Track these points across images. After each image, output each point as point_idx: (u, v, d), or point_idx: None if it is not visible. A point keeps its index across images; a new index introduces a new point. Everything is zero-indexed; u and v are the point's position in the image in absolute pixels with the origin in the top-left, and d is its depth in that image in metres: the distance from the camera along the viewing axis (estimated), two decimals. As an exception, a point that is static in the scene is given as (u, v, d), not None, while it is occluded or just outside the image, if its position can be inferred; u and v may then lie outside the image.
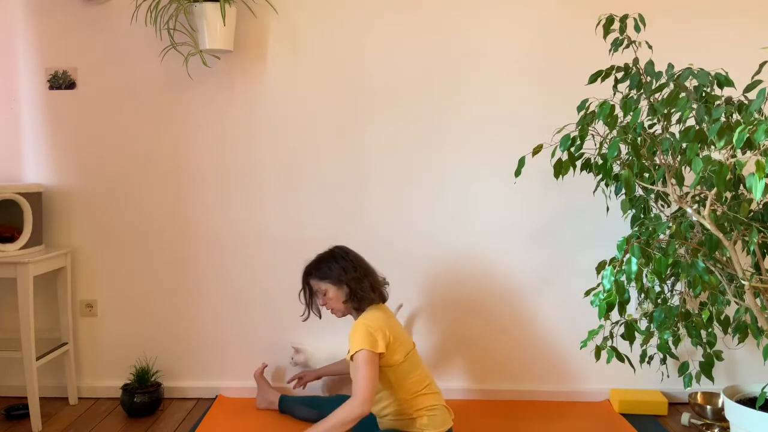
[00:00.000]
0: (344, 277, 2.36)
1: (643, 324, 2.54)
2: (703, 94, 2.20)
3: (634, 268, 2.06)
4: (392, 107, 2.98)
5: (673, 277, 2.50)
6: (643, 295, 2.43)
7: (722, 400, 2.40)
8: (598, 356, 2.35)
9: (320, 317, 2.51)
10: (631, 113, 2.22)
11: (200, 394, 3.08)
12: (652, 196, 2.54)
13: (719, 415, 2.71)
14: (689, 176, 2.54)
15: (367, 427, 2.43)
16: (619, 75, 2.45)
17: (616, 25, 2.45)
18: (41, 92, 2.99)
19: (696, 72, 2.17)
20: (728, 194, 2.23)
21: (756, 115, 1.89)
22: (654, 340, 2.46)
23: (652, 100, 2.28)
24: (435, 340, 3.04)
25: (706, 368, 2.40)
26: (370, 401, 2.18)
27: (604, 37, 2.45)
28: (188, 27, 2.85)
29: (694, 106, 2.13)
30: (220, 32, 2.78)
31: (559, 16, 2.92)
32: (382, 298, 2.47)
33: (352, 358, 2.25)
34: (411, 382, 2.33)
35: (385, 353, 2.26)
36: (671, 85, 2.22)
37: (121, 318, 3.08)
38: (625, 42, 2.45)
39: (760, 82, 2.15)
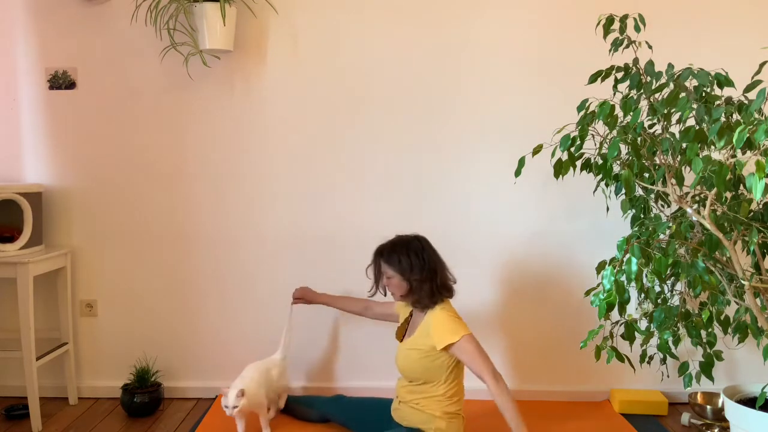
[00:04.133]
0: (409, 275, 2.36)
1: (643, 324, 2.53)
2: (703, 94, 2.20)
3: (634, 268, 2.06)
4: (392, 107, 2.98)
5: (673, 277, 2.50)
6: (643, 295, 2.43)
7: (722, 400, 2.40)
8: (598, 356, 2.35)
9: (385, 295, 2.49)
10: (631, 113, 2.22)
11: (200, 394, 3.08)
12: (652, 196, 2.54)
13: (719, 415, 2.71)
14: (689, 176, 2.54)
15: (380, 420, 2.44)
16: (619, 75, 2.45)
17: (616, 25, 2.45)
18: (41, 92, 2.99)
19: (696, 72, 2.17)
20: (728, 194, 2.23)
21: (756, 115, 1.89)
22: (654, 340, 2.45)
23: (652, 100, 2.28)
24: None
25: (706, 368, 2.40)
26: (496, 371, 2.26)
27: (604, 37, 2.45)
28: (188, 27, 2.85)
29: (694, 106, 2.13)
30: (220, 32, 2.78)
31: (559, 17, 2.92)
32: (450, 294, 2.45)
33: (448, 347, 2.28)
34: (455, 384, 2.37)
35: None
36: (671, 85, 2.22)
37: (121, 318, 3.08)
38: (625, 42, 2.45)
39: (760, 82, 2.15)
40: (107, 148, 3.01)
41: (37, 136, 3.01)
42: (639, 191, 2.52)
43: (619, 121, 2.33)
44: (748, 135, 1.77)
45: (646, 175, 2.37)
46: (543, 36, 2.93)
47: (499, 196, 2.99)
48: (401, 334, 2.52)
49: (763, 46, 2.75)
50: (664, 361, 2.52)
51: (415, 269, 2.36)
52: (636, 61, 2.42)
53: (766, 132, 1.75)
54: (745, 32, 2.88)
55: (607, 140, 2.30)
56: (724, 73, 2.22)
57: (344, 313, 3.03)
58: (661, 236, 2.17)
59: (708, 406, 2.78)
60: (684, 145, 2.13)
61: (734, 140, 1.79)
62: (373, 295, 2.50)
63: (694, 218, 2.17)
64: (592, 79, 2.45)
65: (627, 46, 2.46)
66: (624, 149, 2.32)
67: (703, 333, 2.41)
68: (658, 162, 2.32)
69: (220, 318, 3.08)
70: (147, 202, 3.03)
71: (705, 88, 2.19)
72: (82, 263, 3.06)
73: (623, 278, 2.10)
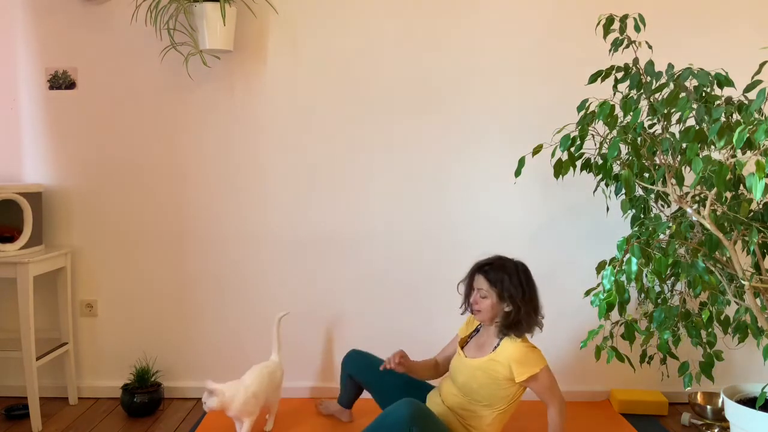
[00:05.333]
0: (516, 299, 2.22)
1: (643, 324, 2.53)
2: (703, 94, 2.20)
3: (634, 268, 2.06)
4: (392, 107, 2.98)
5: (673, 277, 2.50)
6: (643, 295, 2.43)
7: (722, 400, 2.40)
8: (598, 356, 2.35)
9: (472, 312, 2.35)
10: (631, 113, 2.22)
11: (200, 394, 3.07)
12: (652, 196, 2.54)
13: (719, 415, 2.71)
14: (689, 176, 2.54)
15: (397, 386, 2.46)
16: (619, 75, 2.45)
17: (616, 25, 2.45)
18: (41, 92, 2.99)
19: (696, 72, 2.17)
20: (728, 194, 2.23)
21: (756, 115, 1.89)
22: (654, 340, 2.46)
23: (652, 100, 2.28)
24: (436, 338, 3.03)
25: (706, 368, 2.40)
26: (564, 403, 2.27)
27: (604, 37, 2.45)
28: (188, 27, 2.85)
29: (694, 106, 2.13)
30: (220, 32, 2.78)
31: (559, 17, 2.92)
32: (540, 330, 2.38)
33: (531, 377, 2.22)
34: (508, 411, 2.32)
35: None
36: (671, 85, 2.22)
37: (121, 318, 3.08)
38: (625, 42, 2.45)
39: (760, 82, 2.15)
40: (107, 148, 3.01)
41: (37, 136, 3.01)
42: (639, 191, 2.52)
43: (619, 121, 2.33)
44: (748, 135, 1.77)
45: (646, 175, 2.37)
46: (543, 36, 2.93)
47: (499, 195, 2.99)
48: (463, 344, 2.44)
49: (763, 46, 2.75)
50: (664, 361, 2.52)
51: (526, 296, 2.24)
52: (636, 61, 2.42)
53: (766, 132, 1.75)
54: (745, 32, 2.88)
55: (607, 140, 2.30)
56: (724, 73, 2.22)
57: (342, 313, 3.04)
58: (661, 236, 2.17)
59: (708, 406, 2.78)
60: (684, 145, 2.13)
61: (734, 140, 1.79)
62: (463, 313, 2.39)
63: (694, 218, 2.17)
64: (592, 79, 2.45)
65: (627, 46, 2.46)
66: (624, 149, 2.32)
67: (703, 333, 2.40)
68: (658, 162, 2.32)
69: (220, 318, 3.08)
70: (147, 202, 3.03)
71: (705, 88, 2.19)
72: (82, 263, 3.06)
73: (623, 278, 2.10)
